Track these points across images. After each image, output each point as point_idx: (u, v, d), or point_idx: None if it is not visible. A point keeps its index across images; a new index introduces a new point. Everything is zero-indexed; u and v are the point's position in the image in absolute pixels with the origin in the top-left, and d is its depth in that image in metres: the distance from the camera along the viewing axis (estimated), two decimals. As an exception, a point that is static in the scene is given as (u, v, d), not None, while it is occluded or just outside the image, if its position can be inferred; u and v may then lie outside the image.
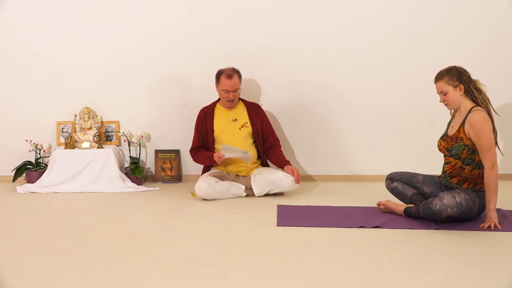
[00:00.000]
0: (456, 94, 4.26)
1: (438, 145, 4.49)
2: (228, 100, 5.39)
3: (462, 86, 4.24)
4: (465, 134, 4.22)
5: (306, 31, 5.91)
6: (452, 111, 4.48)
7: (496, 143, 4.30)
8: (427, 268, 3.36)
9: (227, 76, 5.35)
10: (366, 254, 3.62)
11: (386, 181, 4.84)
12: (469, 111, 4.22)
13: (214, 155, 5.24)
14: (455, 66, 4.31)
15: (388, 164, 5.97)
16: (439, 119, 4.56)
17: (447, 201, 4.12)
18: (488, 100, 4.28)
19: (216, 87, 5.44)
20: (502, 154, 4.56)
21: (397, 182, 4.73)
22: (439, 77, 4.32)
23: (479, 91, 4.27)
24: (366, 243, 3.86)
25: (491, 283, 3.14)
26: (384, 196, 5.10)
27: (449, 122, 4.51)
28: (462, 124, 4.24)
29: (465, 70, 4.29)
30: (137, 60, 6.00)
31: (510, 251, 3.66)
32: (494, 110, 4.32)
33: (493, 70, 5.87)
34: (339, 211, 4.73)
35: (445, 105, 4.37)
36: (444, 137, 4.43)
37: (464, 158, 4.26)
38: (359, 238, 3.98)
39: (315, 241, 3.90)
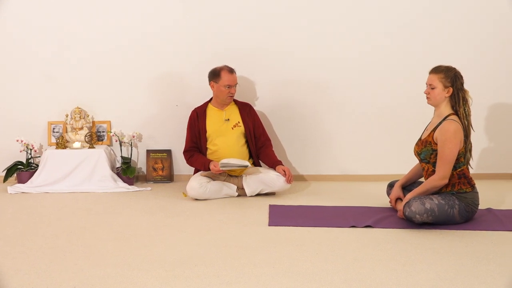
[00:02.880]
0: (442, 94, 4.25)
1: (413, 150, 4.50)
2: (229, 96, 5.38)
3: (451, 89, 4.23)
4: (433, 139, 4.23)
5: (299, 31, 5.90)
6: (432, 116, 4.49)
7: (471, 156, 4.31)
8: (419, 268, 3.37)
9: (229, 71, 5.36)
10: (357, 254, 3.63)
11: (387, 188, 4.87)
12: (445, 118, 4.23)
13: (211, 164, 5.21)
14: (454, 68, 4.28)
15: (379, 163, 6.00)
16: (430, 119, 4.57)
17: (414, 208, 4.12)
18: (470, 114, 4.26)
19: (213, 85, 5.41)
20: (472, 168, 4.50)
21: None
22: (436, 71, 4.29)
23: (465, 102, 4.25)
24: (358, 243, 3.86)
25: (482, 282, 3.15)
26: (375, 195, 5.13)
27: (426, 126, 4.52)
28: (435, 129, 4.25)
29: (461, 76, 4.27)
30: (128, 61, 5.98)
31: (501, 250, 3.67)
32: (471, 127, 4.29)
33: (493, 71, 5.89)
34: (330, 211, 4.73)
35: (427, 97, 4.36)
36: (418, 141, 4.45)
37: (433, 163, 4.27)
38: (351, 237, 3.99)
39: (307, 241, 3.91)
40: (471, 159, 4.34)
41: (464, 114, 4.23)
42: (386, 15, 5.87)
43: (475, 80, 5.43)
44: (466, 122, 4.23)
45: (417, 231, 4.10)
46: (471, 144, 4.30)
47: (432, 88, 4.28)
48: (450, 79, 4.23)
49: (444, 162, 4.15)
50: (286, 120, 6.03)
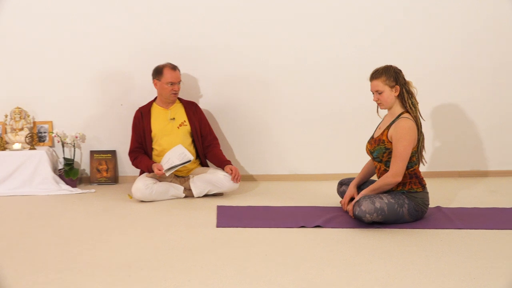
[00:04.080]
0: (391, 95, 4.27)
1: (365, 148, 4.51)
2: (173, 93, 5.32)
3: (398, 87, 4.25)
4: (387, 137, 4.25)
5: (244, 28, 5.87)
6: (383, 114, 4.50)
7: (423, 147, 4.35)
8: (368, 267, 3.37)
9: (171, 68, 5.32)
10: (307, 254, 3.61)
11: (337, 186, 4.87)
12: (399, 116, 4.25)
13: (153, 166, 5.14)
14: (391, 66, 4.31)
15: (328, 163, 6.01)
16: (379, 120, 4.59)
17: (364, 207, 4.12)
18: (417, 104, 4.30)
19: (156, 83, 5.35)
20: (425, 162, 4.49)
21: (345, 185, 4.75)
22: (376, 75, 4.30)
23: (411, 94, 4.29)
24: (307, 243, 3.85)
25: (432, 280, 3.16)
26: (324, 195, 5.14)
27: (378, 125, 4.54)
28: (388, 127, 4.26)
29: (400, 71, 4.30)
30: (70, 59, 5.86)
31: (450, 249, 3.70)
32: (421, 116, 4.33)
33: (439, 70, 5.95)
34: (279, 211, 4.70)
35: (378, 104, 4.37)
36: (370, 139, 4.46)
37: (386, 161, 4.29)
38: (300, 238, 3.97)
39: (256, 242, 3.88)
40: (424, 151, 4.37)
41: (412, 107, 4.26)
42: (334, 15, 5.87)
43: (423, 80, 5.48)
44: (415, 113, 4.26)
45: (366, 231, 4.10)
46: (423, 135, 4.32)
47: (380, 93, 4.29)
48: (393, 78, 4.26)
49: (398, 160, 4.15)
50: (233, 119, 5.99)
